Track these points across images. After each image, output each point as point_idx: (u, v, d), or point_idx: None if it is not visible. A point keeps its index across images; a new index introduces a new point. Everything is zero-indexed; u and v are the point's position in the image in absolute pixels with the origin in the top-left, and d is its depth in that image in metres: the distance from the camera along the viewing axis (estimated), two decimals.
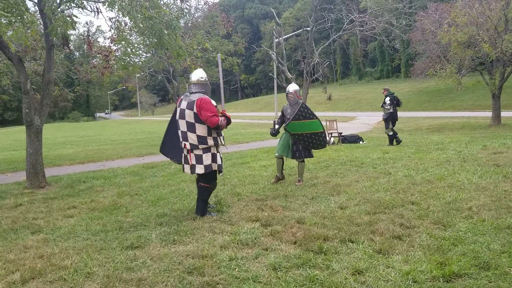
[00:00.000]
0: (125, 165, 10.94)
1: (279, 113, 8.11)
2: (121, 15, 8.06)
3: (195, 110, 5.16)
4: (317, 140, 7.28)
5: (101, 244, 4.46)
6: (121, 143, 19.80)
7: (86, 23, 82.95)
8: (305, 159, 7.54)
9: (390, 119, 12.21)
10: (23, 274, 3.67)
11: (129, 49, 9.10)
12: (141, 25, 6.61)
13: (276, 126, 7.58)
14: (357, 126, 21.47)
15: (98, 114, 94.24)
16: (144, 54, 17.55)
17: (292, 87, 7.44)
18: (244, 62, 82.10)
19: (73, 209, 6.22)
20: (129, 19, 6.57)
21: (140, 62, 19.01)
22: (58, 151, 17.04)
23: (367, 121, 25.37)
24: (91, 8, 7.40)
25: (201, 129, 5.20)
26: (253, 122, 31.84)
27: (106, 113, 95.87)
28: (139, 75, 21.92)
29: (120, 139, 22.45)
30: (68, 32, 7.07)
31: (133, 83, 48.48)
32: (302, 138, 7.21)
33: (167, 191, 7.21)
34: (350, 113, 35.92)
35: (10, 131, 45.62)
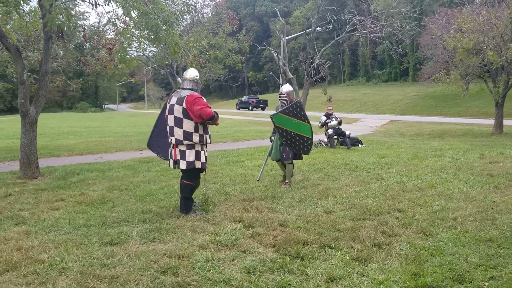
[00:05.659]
0: (122, 158, 10.95)
1: None
2: (116, 9, 8.04)
3: (184, 105, 5.19)
4: (301, 143, 6.89)
5: (81, 239, 4.47)
6: (124, 135, 19.84)
7: (97, 14, 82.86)
8: (294, 161, 7.18)
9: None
10: None
11: (126, 43, 9.08)
12: (136, 19, 6.60)
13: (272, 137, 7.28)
14: (360, 128, 21.29)
15: (105, 105, 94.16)
16: (149, 48, 17.57)
17: (286, 88, 7.17)
18: (253, 59, 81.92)
19: (60, 201, 6.24)
20: (123, 13, 6.59)
21: (145, 56, 19.05)
22: (60, 141, 17.12)
23: (371, 124, 25.20)
24: (89, 1, 7.41)
25: (188, 125, 5.23)
26: (256, 120, 31.74)
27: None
28: (146, 69, 21.95)
29: (124, 132, 22.48)
30: (65, 24, 7.07)
31: (141, 76, 48.45)
32: (286, 135, 6.77)
33: (157, 187, 7.21)
34: (355, 115, 35.70)
35: (18, 118, 45.89)
